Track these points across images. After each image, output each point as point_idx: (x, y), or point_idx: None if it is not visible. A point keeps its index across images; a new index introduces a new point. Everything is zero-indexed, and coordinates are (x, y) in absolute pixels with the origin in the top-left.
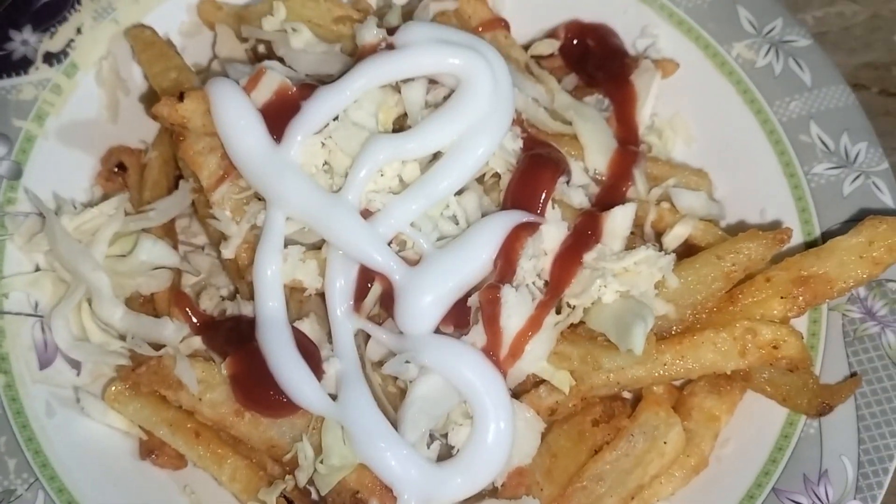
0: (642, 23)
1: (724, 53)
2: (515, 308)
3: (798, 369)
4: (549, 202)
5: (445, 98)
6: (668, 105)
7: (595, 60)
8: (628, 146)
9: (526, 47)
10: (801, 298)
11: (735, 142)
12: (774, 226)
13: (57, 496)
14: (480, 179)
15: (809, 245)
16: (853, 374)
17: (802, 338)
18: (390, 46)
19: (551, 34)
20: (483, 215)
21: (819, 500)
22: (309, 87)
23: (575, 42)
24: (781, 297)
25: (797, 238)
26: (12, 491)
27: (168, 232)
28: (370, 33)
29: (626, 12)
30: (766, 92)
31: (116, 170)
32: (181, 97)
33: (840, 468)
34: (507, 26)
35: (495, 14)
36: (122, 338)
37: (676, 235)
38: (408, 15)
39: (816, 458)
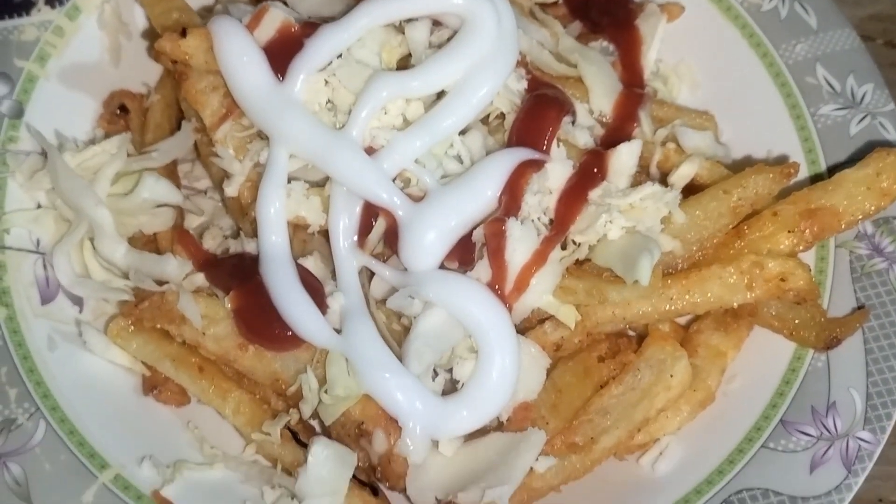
0: None
1: None
2: (520, 241)
3: (806, 302)
4: (554, 141)
5: (449, 39)
6: (674, 51)
7: (599, 7)
8: (633, 89)
9: None
10: (808, 232)
11: (741, 86)
12: (781, 162)
13: (59, 426)
14: (486, 120)
15: (816, 181)
16: (860, 308)
17: (810, 270)
18: None
19: None
20: (488, 154)
21: (828, 430)
22: (312, 25)
23: None
24: (789, 231)
25: (804, 176)
26: (13, 420)
27: (171, 175)
28: None
29: None
30: (772, 35)
31: (118, 112)
32: (184, 33)
33: (849, 400)
34: None
35: None
36: (125, 276)
37: (682, 174)
38: None
39: (825, 391)
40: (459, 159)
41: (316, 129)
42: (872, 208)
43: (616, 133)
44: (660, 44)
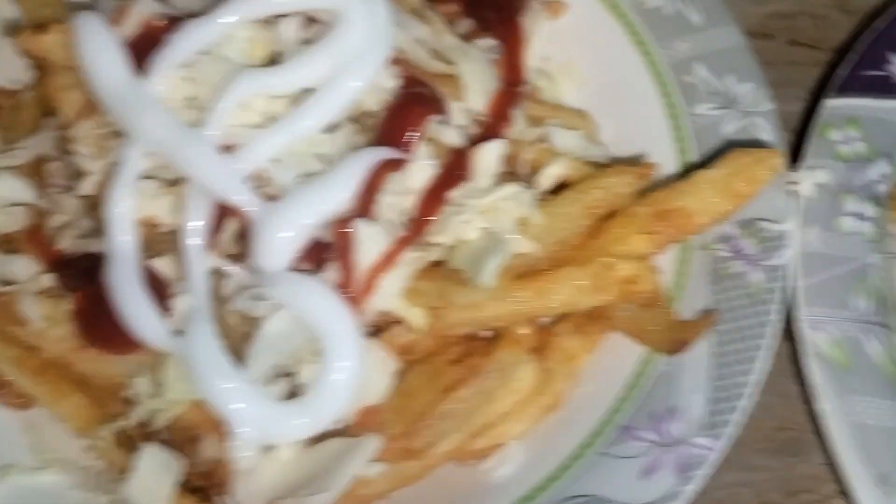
0: None
1: None
2: (369, 242)
3: (654, 305)
4: (420, 140)
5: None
6: (560, 49)
7: (488, 4)
8: (510, 87)
9: None
10: (662, 234)
11: (622, 84)
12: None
13: None
14: (358, 119)
15: None
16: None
17: (657, 272)
18: None
19: None
20: None
21: (664, 436)
22: (178, 20)
23: None
24: (642, 233)
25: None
26: None
27: (35, 173)
28: None
29: None
30: (656, 33)
31: None
32: (44, 29)
33: (689, 405)
34: None
35: None
36: None
37: (549, 174)
38: None
39: (667, 395)
40: (325, 159)
41: (169, 124)
42: (726, 209)
43: (489, 131)
44: (543, 41)
